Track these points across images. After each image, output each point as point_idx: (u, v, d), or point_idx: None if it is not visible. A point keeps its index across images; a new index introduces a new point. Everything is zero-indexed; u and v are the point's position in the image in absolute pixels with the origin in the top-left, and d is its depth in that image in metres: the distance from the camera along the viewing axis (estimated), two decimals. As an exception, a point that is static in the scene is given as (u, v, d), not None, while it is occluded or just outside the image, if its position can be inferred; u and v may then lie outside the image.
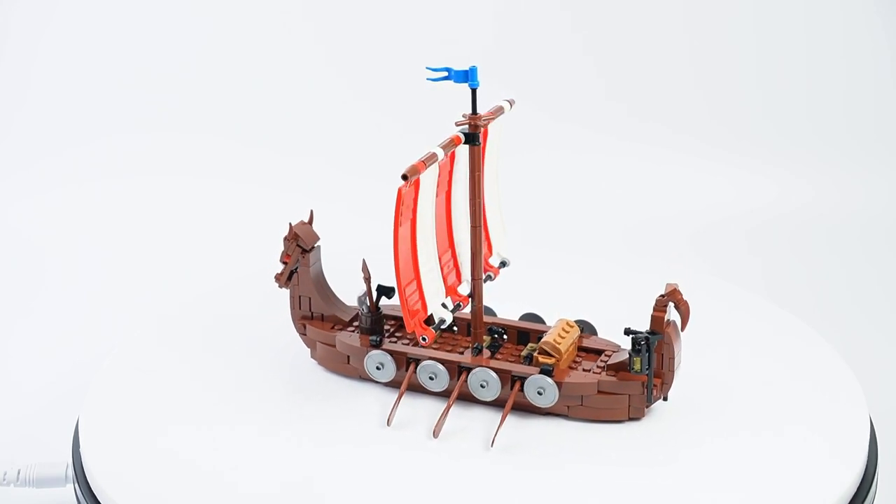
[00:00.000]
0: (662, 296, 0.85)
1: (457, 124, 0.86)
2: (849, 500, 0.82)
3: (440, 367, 0.89)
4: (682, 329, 0.86)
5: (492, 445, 0.85)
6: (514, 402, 0.87)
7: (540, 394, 0.86)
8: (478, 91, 0.85)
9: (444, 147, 0.85)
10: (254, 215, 1.53)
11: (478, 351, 0.90)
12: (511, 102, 0.91)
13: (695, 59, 1.67)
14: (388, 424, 0.87)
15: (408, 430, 0.87)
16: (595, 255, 1.25)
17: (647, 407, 0.86)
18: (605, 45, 1.67)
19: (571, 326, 0.89)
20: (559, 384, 0.86)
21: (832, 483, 0.81)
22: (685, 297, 0.85)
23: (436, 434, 0.86)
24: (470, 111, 0.86)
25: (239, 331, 1.01)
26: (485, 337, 0.92)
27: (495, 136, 0.91)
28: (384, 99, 1.63)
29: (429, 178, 0.85)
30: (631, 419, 0.86)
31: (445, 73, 0.84)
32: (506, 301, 0.97)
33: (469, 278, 0.91)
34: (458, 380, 0.88)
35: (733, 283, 1.12)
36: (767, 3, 1.67)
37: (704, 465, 0.83)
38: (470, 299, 0.91)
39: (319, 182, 1.56)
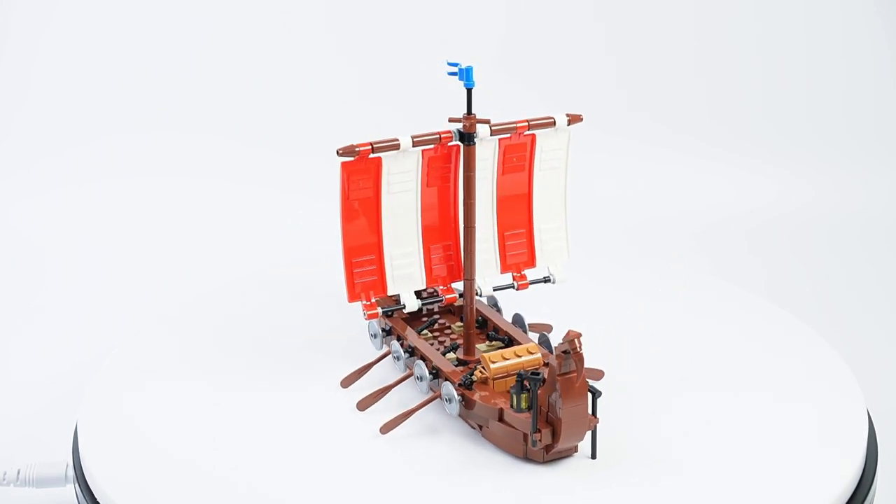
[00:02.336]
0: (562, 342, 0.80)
1: (450, 120, 0.87)
2: (847, 499, 0.82)
3: (402, 351, 0.91)
4: (576, 383, 0.79)
5: (381, 432, 0.86)
6: (431, 402, 0.87)
7: (448, 401, 0.86)
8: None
9: (418, 137, 0.86)
10: (254, 215, 1.53)
11: (449, 349, 0.91)
12: (572, 118, 0.90)
13: (695, 59, 1.67)
14: (343, 386, 0.91)
15: (357, 396, 0.90)
16: (596, 254, 1.25)
17: (545, 454, 0.82)
18: (606, 45, 1.67)
19: (531, 352, 0.86)
20: (466, 399, 0.85)
21: (831, 483, 0.81)
22: (581, 350, 0.79)
23: (359, 408, 0.89)
24: (476, 111, 0.86)
25: (239, 331, 1.01)
26: (491, 343, 0.92)
27: (553, 149, 0.91)
28: (386, 97, 1.63)
29: (399, 163, 0.87)
30: (528, 459, 0.83)
31: (456, 69, 0.84)
32: (504, 302, 0.98)
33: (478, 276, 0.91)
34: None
35: (733, 283, 1.12)
36: (768, 3, 1.67)
37: (701, 465, 0.83)
38: (459, 298, 0.92)
39: (320, 182, 1.56)
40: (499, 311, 0.96)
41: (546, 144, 0.91)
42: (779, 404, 0.90)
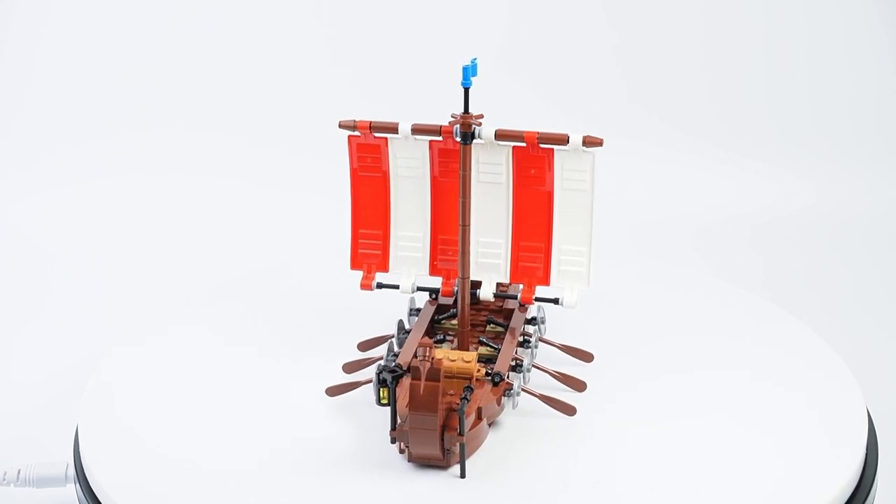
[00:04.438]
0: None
1: (452, 116, 0.86)
2: (847, 499, 0.82)
3: (394, 339, 0.93)
4: (418, 391, 0.78)
5: (327, 393, 0.89)
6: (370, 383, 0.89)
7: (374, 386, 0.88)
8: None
9: (417, 125, 0.88)
10: (254, 214, 1.53)
11: (437, 342, 0.92)
12: (589, 140, 0.86)
13: (699, 60, 1.67)
14: (359, 349, 0.95)
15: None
16: (597, 255, 1.25)
17: (411, 455, 0.82)
18: (610, 45, 1.67)
19: (465, 360, 0.85)
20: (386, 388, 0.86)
21: (831, 483, 0.81)
22: (427, 360, 0.78)
23: (344, 370, 0.92)
24: (486, 113, 0.87)
25: (240, 328, 1.01)
26: (482, 349, 0.92)
27: (575, 170, 0.88)
28: (389, 97, 1.63)
29: (406, 149, 0.89)
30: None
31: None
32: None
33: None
34: None
35: (734, 284, 1.12)
36: (771, 4, 1.67)
37: (700, 465, 0.83)
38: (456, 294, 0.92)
39: (322, 181, 1.56)
40: (536, 323, 0.95)
41: (566, 163, 0.88)
42: (779, 404, 0.90)
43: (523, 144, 0.87)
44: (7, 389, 1.18)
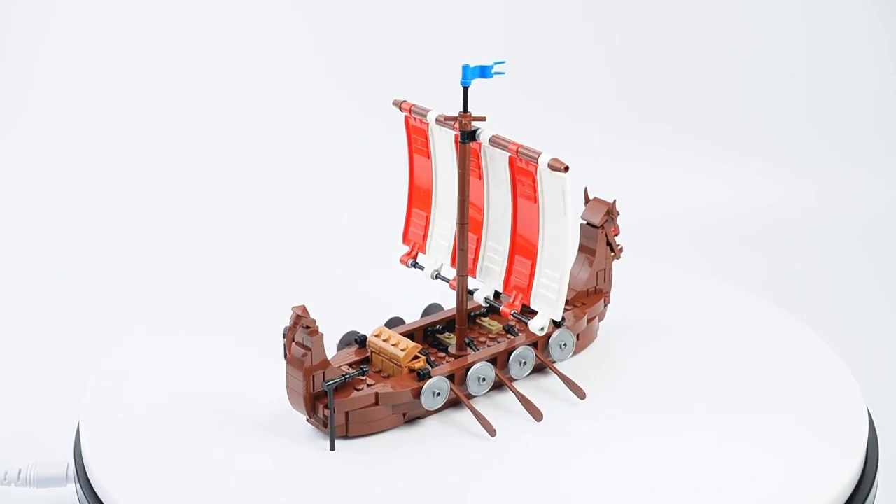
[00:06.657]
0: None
1: (460, 114, 0.86)
2: (847, 499, 0.82)
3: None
4: (288, 350, 0.83)
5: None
6: None
7: None
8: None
9: (440, 115, 0.89)
10: (254, 215, 1.53)
11: (433, 332, 0.93)
12: (552, 165, 0.82)
13: (697, 59, 1.67)
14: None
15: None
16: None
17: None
18: (608, 45, 1.67)
19: (402, 349, 0.86)
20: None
21: (831, 483, 0.82)
22: (297, 325, 0.82)
23: None
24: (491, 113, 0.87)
25: (239, 330, 1.01)
26: (470, 349, 0.91)
27: (552, 191, 0.84)
28: (389, 96, 1.63)
29: (440, 137, 0.90)
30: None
31: (503, 69, 0.85)
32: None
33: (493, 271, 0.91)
34: None
35: (733, 284, 1.12)
36: (771, 4, 1.67)
37: (700, 465, 0.83)
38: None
39: (322, 181, 1.56)
40: (561, 347, 0.93)
41: (545, 181, 0.85)
42: (778, 404, 0.90)
43: (513, 154, 0.86)
44: (7, 389, 1.18)
